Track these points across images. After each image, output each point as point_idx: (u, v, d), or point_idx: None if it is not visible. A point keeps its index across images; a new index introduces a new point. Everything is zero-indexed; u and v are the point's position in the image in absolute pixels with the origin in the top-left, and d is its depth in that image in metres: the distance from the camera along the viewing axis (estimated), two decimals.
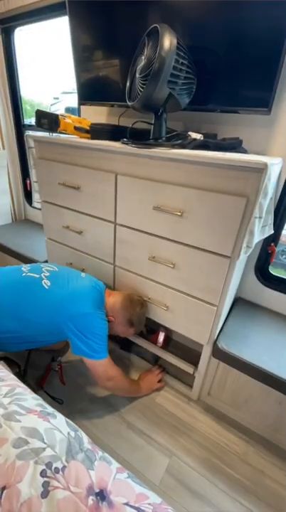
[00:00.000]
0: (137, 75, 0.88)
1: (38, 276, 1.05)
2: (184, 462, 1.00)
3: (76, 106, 1.53)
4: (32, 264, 1.17)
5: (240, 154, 0.85)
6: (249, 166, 0.72)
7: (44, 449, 0.45)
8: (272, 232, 0.99)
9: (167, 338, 1.32)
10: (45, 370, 1.28)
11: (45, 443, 0.46)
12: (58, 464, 0.43)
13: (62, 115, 1.12)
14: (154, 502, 0.41)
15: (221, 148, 0.90)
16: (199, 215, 0.86)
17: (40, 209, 1.40)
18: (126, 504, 0.39)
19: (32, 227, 2.08)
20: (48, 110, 1.17)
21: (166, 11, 0.94)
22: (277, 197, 1.05)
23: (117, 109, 1.27)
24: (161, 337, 1.28)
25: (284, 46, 0.80)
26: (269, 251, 1.18)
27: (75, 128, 1.12)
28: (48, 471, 0.41)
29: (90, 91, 1.26)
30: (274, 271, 1.23)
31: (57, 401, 1.15)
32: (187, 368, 1.19)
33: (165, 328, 1.22)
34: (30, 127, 1.95)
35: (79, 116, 1.48)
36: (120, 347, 1.45)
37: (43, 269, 1.10)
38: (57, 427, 0.50)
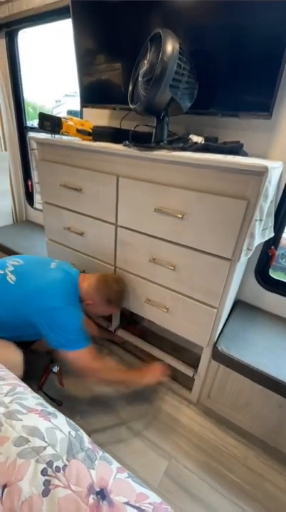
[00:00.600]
0: (140, 79, 0.89)
1: (2, 272, 1.04)
2: (183, 465, 0.99)
3: (78, 109, 1.54)
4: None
5: (241, 158, 0.85)
6: (250, 169, 0.73)
7: (45, 447, 0.45)
8: (273, 235, 0.99)
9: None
10: (44, 371, 1.27)
11: (46, 442, 0.46)
12: (59, 463, 0.43)
13: (64, 118, 1.13)
14: (154, 501, 0.41)
15: (222, 152, 0.91)
16: (200, 218, 0.87)
17: (41, 210, 1.41)
18: (127, 503, 0.39)
19: (33, 228, 2.09)
20: (50, 113, 1.18)
21: (168, 16, 0.95)
22: (278, 200, 1.06)
23: (118, 112, 1.28)
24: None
25: (284, 52, 0.81)
26: (270, 254, 1.19)
27: (78, 130, 1.13)
28: (49, 470, 0.42)
29: (93, 94, 1.27)
30: (274, 274, 1.23)
31: (56, 402, 1.15)
32: (187, 370, 1.19)
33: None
34: (32, 129, 1.97)
35: (81, 118, 1.49)
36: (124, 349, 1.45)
37: (8, 263, 1.08)
38: (58, 426, 0.50)
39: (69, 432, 0.50)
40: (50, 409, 0.56)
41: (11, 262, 1.09)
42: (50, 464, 0.42)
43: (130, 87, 0.97)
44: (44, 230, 1.45)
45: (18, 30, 1.68)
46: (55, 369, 1.26)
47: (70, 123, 1.13)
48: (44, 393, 1.18)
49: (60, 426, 0.50)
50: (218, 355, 1.01)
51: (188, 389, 1.22)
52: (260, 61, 0.86)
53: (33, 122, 2.08)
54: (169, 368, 1.17)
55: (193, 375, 1.16)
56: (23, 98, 1.91)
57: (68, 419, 0.54)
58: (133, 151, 0.92)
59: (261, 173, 0.72)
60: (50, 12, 1.40)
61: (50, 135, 1.17)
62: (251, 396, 1.02)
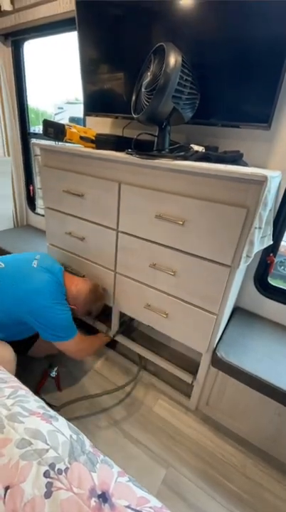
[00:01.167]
0: (143, 90, 0.91)
1: None
2: (181, 473, 0.98)
3: (80, 116, 1.57)
4: None
5: (240, 167, 0.87)
6: (250, 178, 0.75)
7: (47, 450, 0.45)
8: (271, 242, 1.01)
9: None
10: (41, 375, 1.27)
11: (48, 444, 0.46)
12: (61, 466, 0.43)
13: (68, 125, 1.15)
14: (155, 506, 0.41)
15: (222, 161, 0.93)
16: (200, 225, 0.88)
17: (42, 215, 1.42)
18: (128, 507, 0.39)
19: (33, 233, 2.10)
20: (52, 119, 1.20)
21: (170, 28, 0.99)
22: (276, 208, 1.07)
23: (120, 121, 1.30)
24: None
25: (284, 64, 0.84)
26: (269, 261, 1.20)
27: (81, 138, 1.15)
28: (51, 472, 0.42)
29: (96, 102, 1.30)
30: (273, 281, 1.25)
31: (53, 407, 1.14)
32: (185, 376, 1.19)
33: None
34: (35, 135, 2.00)
35: (84, 126, 1.52)
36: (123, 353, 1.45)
37: None
38: (59, 430, 0.50)
39: (70, 436, 0.50)
40: (52, 412, 0.56)
41: None
42: (52, 466, 0.42)
43: (133, 97, 0.99)
44: (44, 235, 1.46)
45: (24, 40, 1.72)
46: (53, 374, 1.26)
47: (74, 130, 1.15)
48: (41, 398, 1.17)
49: (61, 429, 0.51)
50: (217, 362, 1.01)
51: (187, 396, 1.22)
52: (259, 74, 0.88)
53: (36, 128, 2.11)
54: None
55: (192, 382, 1.16)
56: (27, 105, 1.95)
57: (69, 423, 0.55)
58: (135, 159, 0.94)
59: (260, 182, 0.73)
60: (55, 23, 1.44)
61: (53, 142, 1.19)
62: (250, 403, 1.02)
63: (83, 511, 0.38)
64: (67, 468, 0.44)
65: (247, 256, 0.84)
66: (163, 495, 0.92)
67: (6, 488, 0.41)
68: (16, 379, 0.64)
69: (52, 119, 1.20)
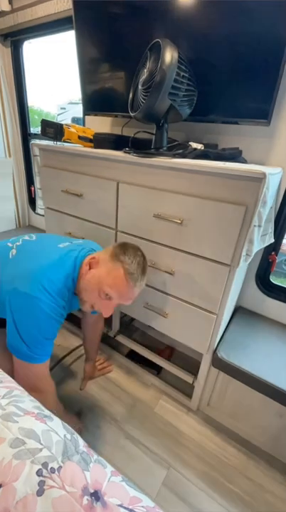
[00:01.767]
0: (140, 87, 0.90)
1: (11, 245, 0.91)
2: (182, 474, 0.98)
3: (82, 116, 1.57)
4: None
5: (239, 164, 0.86)
6: (248, 175, 0.73)
7: (41, 449, 0.45)
8: (273, 241, 0.99)
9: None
10: None
11: (41, 444, 0.46)
12: (54, 464, 0.43)
13: (66, 125, 1.15)
14: (148, 505, 0.41)
15: (221, 158, 0.91)
16: (199, 223, 0.87)
17: (43, 215, 1.42)
18: (120, 506, 0.39)
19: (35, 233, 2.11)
20: (54, 120, 1.20)
21: (169, 25, 0.97)
22: (278, 206, 1.06)
23: (120, 120, 1.30)
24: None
25: (282, 60, 0.82)
26: (270, 260, 1.18)
27: (79, 137, 1.15)
28: (44, 471, 0.42)
29: (95, 102, 1.30)
30: (275, 280, 1.23)
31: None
32: (186, 377, 1.18)
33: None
34: (36, 136, 2.01)
35: (84, 125, 1.52)
36: (125, 355, 1.44)
37: (21, 238, 0.95)
38: (53, 429, 0.50)
39: (64, 435, 0.50)
40: (46, 412, 0.56)
41: (25, 237, 0.96)
42: (45, 465, 0.42)
43: (130, 95, 0.99)
44: None
45: (23, 40, 1.72)
46: None
47: (72, 130, 1.14)
48: None
49: (55, 429, 0.50)
50: (217, 362, 1.00)
51: (188, 396, 1.21)
52: (258, 69, 0.87)
53: (38, 129, 2.12)
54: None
55: (193, 382, 1.15)
56: (27, 106, 1.95)
57: (64, 423, 0.54)
58: (133, 158, 0.93)
59: (259, 179, 0.72)
60: (54, 22, 1.43)
61: (52, 142, 1.19)
62: (251, 404, 1.01)
63: (75, 509, 0.38)
64: (60, 467, 0.44)
65: (247, 255, 0.82)
66: (163, 496, 0.91)
67: None
68: (11, 379, 0.64)
69: (54, 120, 1.20)
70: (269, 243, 0.96)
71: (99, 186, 1.08)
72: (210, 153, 0.92)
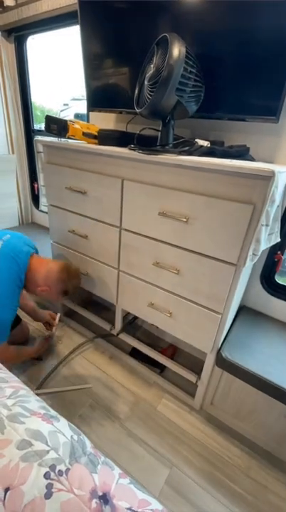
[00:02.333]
0: (146, 83, 0.89)
1: None
2: (185, 474, 0.97)
3: (85, 112, 1.55)
4: None
5: (247, 162, 0.84)
6: (256, 173, 0.72)
7: (48, 451, 0.45)
8: (279, 240, 0.97)
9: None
10: None
11: (48, 445, 0.46)
12: (62, 467, 0.43)
13: (71, 121, 1.14)
14: (156, 508, 0.40)
15: (228, 156, 0.90)
16: (205, 222, 0.86)
17: (46, 212, 1.41)
18: (129, 509, 0.39)
19: (38, 231, 2.10)
20: (57, 116, 1.19)
21: (176, 20, 0.95)
22: (284, 205, 1.04)
23: (124, 116, 1.28)
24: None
25: None
26: (276, 259, 1.17)
27: (84, 134, 1.13)
28: (52, 474, 0.41)
29: (99, 98, 1.28)
30: (280, 280, 1.22)
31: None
32: (190, 376, 1.18)
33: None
34: (39, 132, 1.99)
35: (88, 122, 1.50)
36: (128, 353, 1.44)
37: None
38: (60, 430, 0.50)
39: (71, 436, 0.49)
40: (53, 412, 0.56)
41: None
42: (52, 467, 0.42)
43: (136, 91, 0.97)
44: (49, 233, 1.45)
45: (27, 35, 1.70)
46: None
47: (76, 126, 1.13)
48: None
49: (62, 430, 0.50)
50: (221, 362, 0.99)
51: (191, 395, 1.20)
52: (267, 64, 0.85)
53: (41, 126, 2.10)
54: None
55: (196, 382, 1.15)
56: (30, 102, 1.94)
57: (70, 424, 0.54)
58: (138, 155, 0.92)
59: (267, 178, 0.71)
60: (58, 17, 1.41)
61: (56, 138, 1.18)
62: (255, 404, 1.00)
63: None
64: (67, 470, 0.43)
65: (254, 254, 0.81)
66: (166, 495, 0.91)
67: (6, 490, 0.41)
68: (17, 379, 0.64)
69: (57, 116, 1.19)
70: (275, 242, 0.95)
71: (104, 184, 1.07)
72: (217, 150, 0.91)
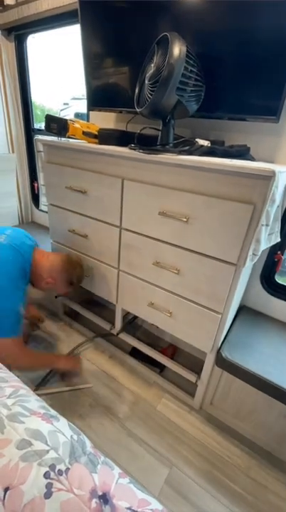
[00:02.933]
0: (146, 82, 0.89)
1: None
2: (185, 473, 0.97)
3: (85, 111, 1.55)
4: None
5: (247, 162, 0.84)
6: (257, 173, 0.72)
7: (47, 451, 0.45)
8: (279, 240, 0.97)
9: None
10: None
11: (48, 445, 0.46)
12: (61, 467, 0.43)
13: (71, 120, 1.13)
14: (156, 508, 0.40)
15: (228, 155, 0.90)
16: (205, 222, 0.86)
17: (46, 212, 1.41)
18: (129, 509, 0.39)
19: (38, 230, 2.10)
20: (57, 115, 1.18)
21: (176, 19, 0.95)
22: (285, 205, 1.04)
23: (124, 115, 1.28)
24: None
25: None
26: (276, 259, 1.17)
27: (84, 133, 1.13)
28: (52, 473, 0.41)
29: (99, 97, 1.28)
30: (280, 279, 1.21)
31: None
32: (189, 376, 1.18)
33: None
34: (39, 131, 1.99)
35: (88, 121, 1.50)
36: (128, 353, 1.43)
37: None
38: (60, 430, 0.50)
39: (71, 436, 0.49)
40: (53, 412, 0.56)
41: None
42: (52, 467, 0.42)
43: (136, 90, 0.97)
44: (49, 232, 1.45)
45: (27, 34, 1.70)
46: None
47: (77, 125, 1.13)
48: None
49: (62, 429, 0.50)
50: (221, 362, 0.99)
51: (191, 395, 1.20)
52: (267, 64, 0.85)
53: (41, 125, 2.10)
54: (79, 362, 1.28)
55: (196, 381, 1.15)
56: (30, 100, 1.93)
57: (70, 423, 0.54)
58: (138, 154, 0.91)
59: (268, 178, 0.71)
60: (59, 15, 1.41)
61: (56, 137, 1.18)
62: (255, 404, 1.00)
63: None
64: (67, 469, 0.43)
65: (254, 254, 0.81)
66: (166, 495, 0.91)
67: (6, 490, 0.41)
68: (17, 378, 0.64)
69: (57, 115, 1.19)
70: (275, 242, 0.95)
71: (104, 183, 1.07)
72: (217, 150, 0.91)
